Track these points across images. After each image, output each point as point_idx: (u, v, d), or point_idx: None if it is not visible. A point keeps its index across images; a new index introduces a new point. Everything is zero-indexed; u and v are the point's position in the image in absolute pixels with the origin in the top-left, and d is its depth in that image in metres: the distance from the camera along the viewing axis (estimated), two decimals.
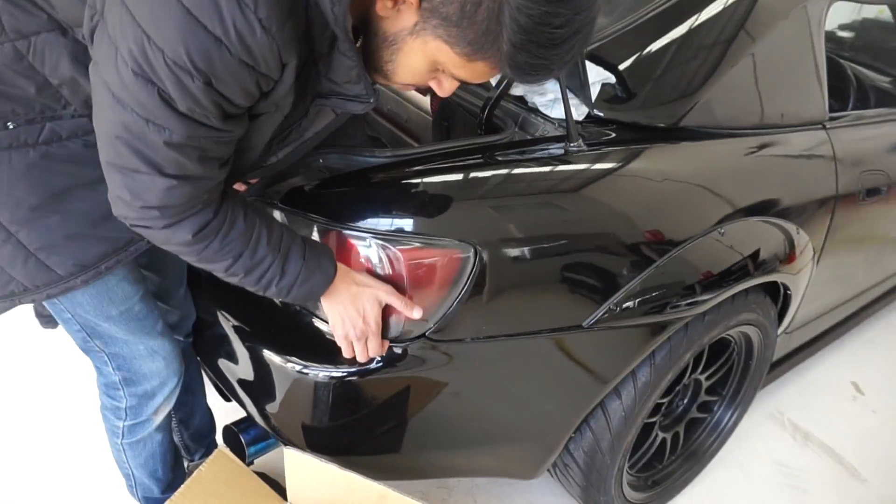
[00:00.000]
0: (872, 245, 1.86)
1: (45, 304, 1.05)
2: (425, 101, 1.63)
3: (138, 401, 1.18)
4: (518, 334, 1.10)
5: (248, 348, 1.16)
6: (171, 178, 0.76)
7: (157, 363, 1.15)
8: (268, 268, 0.90)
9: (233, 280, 0.91)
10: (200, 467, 1.13)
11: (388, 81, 0.84)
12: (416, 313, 0.98)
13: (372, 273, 1.01)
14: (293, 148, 0.96)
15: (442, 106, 1.62)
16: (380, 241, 0.99)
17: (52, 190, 0.90)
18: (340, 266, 0.97)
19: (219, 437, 1.62)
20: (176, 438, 1.48)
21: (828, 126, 1.56)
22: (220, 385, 1.31)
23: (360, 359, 1.01)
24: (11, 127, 0.85)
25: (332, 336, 1.02)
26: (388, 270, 1.00)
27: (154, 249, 0.96)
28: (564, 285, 1.10)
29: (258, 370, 1.15)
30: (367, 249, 1.00)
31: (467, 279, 1.01)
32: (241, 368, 1.19)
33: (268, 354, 1.11)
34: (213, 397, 1.44)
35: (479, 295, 1.03)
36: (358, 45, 0.81)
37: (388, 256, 0.99)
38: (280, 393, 1.12)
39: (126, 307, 1.07)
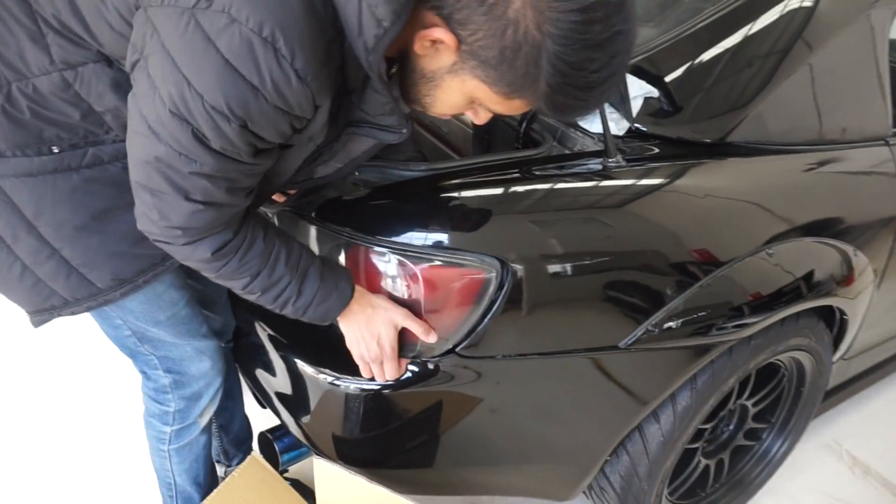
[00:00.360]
0: None
1: (93, 313, 1.08)
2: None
3: (186, 403, 1.21)
4: (552, 353, 1.07)
5: (282, 358, 1.17)
6: (198, 204, 0.79)
7: (204, 363, 1.18)
8: (284, 287, 0.91)
9: (250, 298, 0.93)
10: (233, 472, 1.15)
11: (426, 111, 0.85)
12: (432, 338, 0.99)
13: (391, 294, 1.01)
14: (332, 171, 0.98)
15: None
16: (399, 257, 0.99)
17: (94, 211, 0.93)
18: (358, 288, 0.98)
19: (254, 444, 1.66)
20: (216, 444, 1.51)
21: (891, 142, 1.47)
22: (256, 392, 1.34)
23: (378, 379, 1.02)
24: (56, 151, 0.89)
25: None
26: (405, 287, 1.00)
27: None
28: (600, 304, 1.07)
29: (292, 380, 1.16)
30: (387, 265, 1.00)
31: (494, 297, 1.00)
32: (275, 377, 1.21)
33: (301, 365, 1.13)
34: (249, 403, 1.47)
35: (512, 312, 1.01)
36: (393, 70, 0.82)
37: (406, 273, 0.99)
38: (312, 403, 1.13)
39: (173, 312, 1.11)
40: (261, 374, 1.25)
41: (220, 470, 1.54)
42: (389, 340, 0.98)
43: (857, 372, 1.80)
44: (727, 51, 1.27)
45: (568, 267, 1.04)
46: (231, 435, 1.53)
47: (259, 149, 0.77)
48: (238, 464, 1.53)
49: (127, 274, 0.99)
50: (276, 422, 1.31)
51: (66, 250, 0.94)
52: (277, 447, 1.31)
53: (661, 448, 1.22)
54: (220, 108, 0.69)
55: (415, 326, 0.98)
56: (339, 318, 0.99)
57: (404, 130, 0.87)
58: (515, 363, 1.06)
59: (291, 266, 0.91)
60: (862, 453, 1.86)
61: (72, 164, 0.90)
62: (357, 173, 1.17)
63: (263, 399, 1.28)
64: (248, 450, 1.58)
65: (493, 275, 0.98)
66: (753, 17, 1.30)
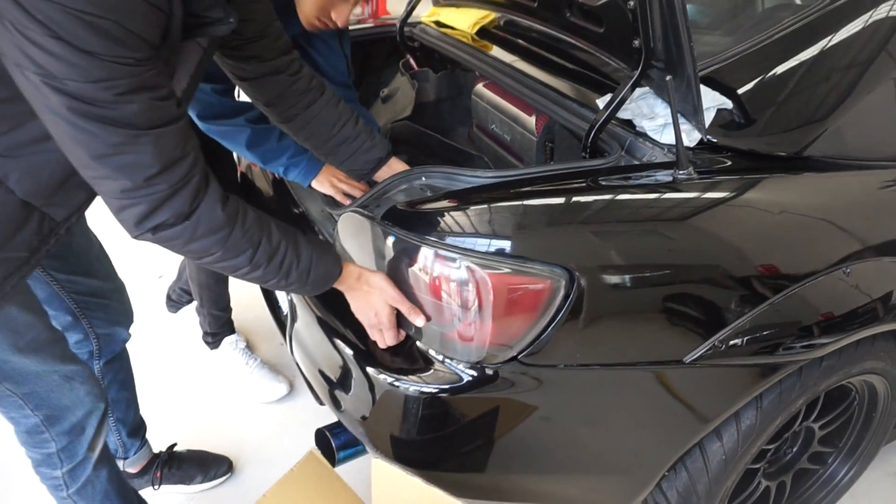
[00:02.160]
0: None
1: None
2: (530, 121, 1.63)
3: (68, 439, 1.13)
4: (614, 364, 1.06)
5: (343, 357, 1.20)
6: (149, 131, 0.78)
7: (75, 391, 1.11)
8: (285, 252, 0.95)
9: (256, 274, 0.95)
10: (292, 468, 1.18)
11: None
12: (419, 321, 1.06)
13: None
14: (182, 89, 0.97)
15: (546, 127, 1.61)
16: (468, 263, 0.99)
17: None
18: (355, 267, 1.09)
19: (311, 439, 1.70)
20: (113, 439, 1.45)
21: None
22: (315, 388, 1.37)
23: (380, 344, 1.13)
24: None
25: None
26: (474, 293, 1.01)
27: (66, 251, 1.02)
28: (666, 318, 1.06)
29: (354, 379, 1.18)
30: (456, 270, 1.01)
31: (560, 306, 0.99)
32: (336, 375, 1.23)
33: (362, 364, 1.15)
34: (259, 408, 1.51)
35: (576, 322, 1.01)
36: None
37: (474, 279, 0.99)
38: (372, 403, 1.15)
39: (33, 335, 1.05)
40: (322, 371, 1.28)
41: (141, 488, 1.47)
42: (386, 314, 1.08)
43: None
44: (805, 62, 1.23)
45: (634, 279, 1.03)
46: (129, 426, 1.49)
47: (145, 54, 0.76)
48: (136, 454, 1.51)
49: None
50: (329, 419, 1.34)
51: None
52: (334, 444, 1.34)
53: (722, 466, 1.19)
54: (85, 8, 0.69)
55: (404, 308, 1.06)
56: (344, 291, 1.09)
57: (231, 20, 0.90)
58: (577, 373, 1.06)
59: (283, 232, 0.96)
60: None
61: None
62: (424, 178, 1.19)
63: (323, 395, 1.31)
64: (144, 439, 1.54)
65: (561, 285, 0.98)
66: (834, 27, 1.25)
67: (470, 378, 1.06)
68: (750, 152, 1.20)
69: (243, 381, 1.92)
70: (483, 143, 1.94)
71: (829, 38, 1.25)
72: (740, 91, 1.21)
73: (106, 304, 1.34)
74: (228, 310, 1.96)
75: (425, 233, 1.04)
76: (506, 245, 1.00)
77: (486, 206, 1.04)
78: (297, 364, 1.44)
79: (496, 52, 1.72)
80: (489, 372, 1.05)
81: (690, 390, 1.12)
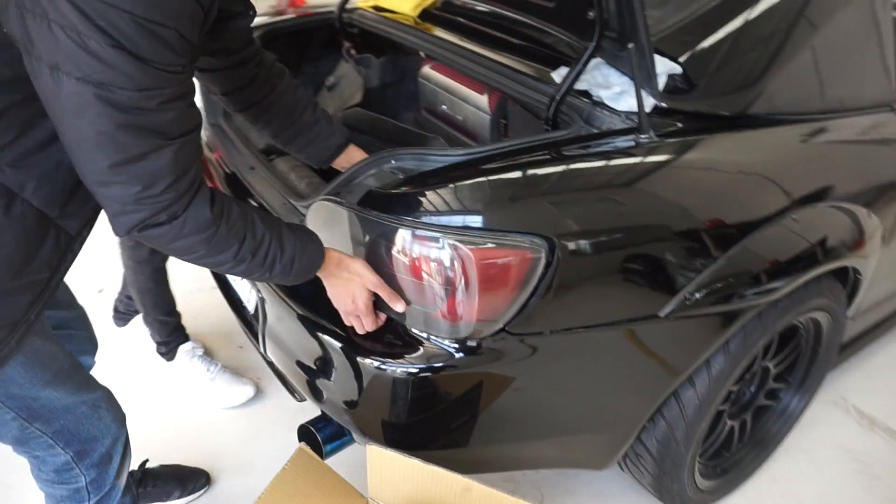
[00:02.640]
0: None
1: None
2: (483, 99, 1.65)
3: (98, 471, 1.10)
4: (596, 325, 1.11)
5: (325, 346, 1.19)
6: (176, 140, 0.78)
7: (103, 419, 1.08)
8: (269, 245, 0.94)
9: (240, 269, 0.95)
10: (284, 466, 1.16)
11: None
12: (399, 307, 1.07)
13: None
14: None
15: (499, 104, 1.63)
16: (451, 241, 1.01)
17: None
18: (335, 252, 1.07)
19: (285, 439, 1.68)
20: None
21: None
22: (294, 384, 1.35)
23: (358, 330, 1.13)
24: None
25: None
26: (459, 270, 1.02)
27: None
28: (641, 276, 1.11)
29: (336, 367, 1.18)
30: (440, 250, 1.02)
31: (542, 274, 1.03)
32: (318, 366, 1.22)
33: (347, 352, 1.14)
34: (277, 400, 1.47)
35: (559, 288, 1.04)
36: None
37: (459, 257, 1.01)
38: (359, 389, 1.15)
39: (58, 366, 1.01)
40: (302, 364, 1.27)
41: None
42: (363, 300, 1.07)
43: (861, 330, 1.88)
44: (736, 30, 1.31)
45: (609, 241, 1.07)
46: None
47: (188, 59, 0.77)
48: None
49: (17, 314, 0.87)
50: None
51: None
52: (320, 437, 1.32)
53: (697, 411, 1.26)
54: (152, 17, 0.69)
55: (384, 294, 1.06)
56: (322, 278, 1.07)
57: (251, 12, 0.93)
58: (562, 338, 1.10)
59: (266, 224, 0.95)
60: (867, 407, 1.94)
61: None
62: (393, 161, 1.19)
63: (306, 390, 1.29)
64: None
65: (542, 253, 1.01)
66: None
67: (458, 354, 1.08)
68: (696, 114, 1.26)
69: (207, 389, 1.86)
70: (433, 125, 1.94)
71: (754, 6, 1.33)
72: (681, 59, 1.28)
73: (71, 333, 1.26)
74: (176, 314, 1.89)
75: (405, 214, 1.04)
76: (485, 219, 1.02)
77: (462, 183, 1.05)
78: (271, 363, 1.42)
79: (441, 33, 1.72)
80: (476, 346, 1.08)
81: (666, 343, 1.18)
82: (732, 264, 1.16)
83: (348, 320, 1.12)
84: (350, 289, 1.07)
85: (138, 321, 2.01)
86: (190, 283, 2.25)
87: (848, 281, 1.50)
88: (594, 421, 1.26)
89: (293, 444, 1.68)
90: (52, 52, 0.69)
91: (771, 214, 1.20)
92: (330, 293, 1.10)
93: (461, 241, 1.00)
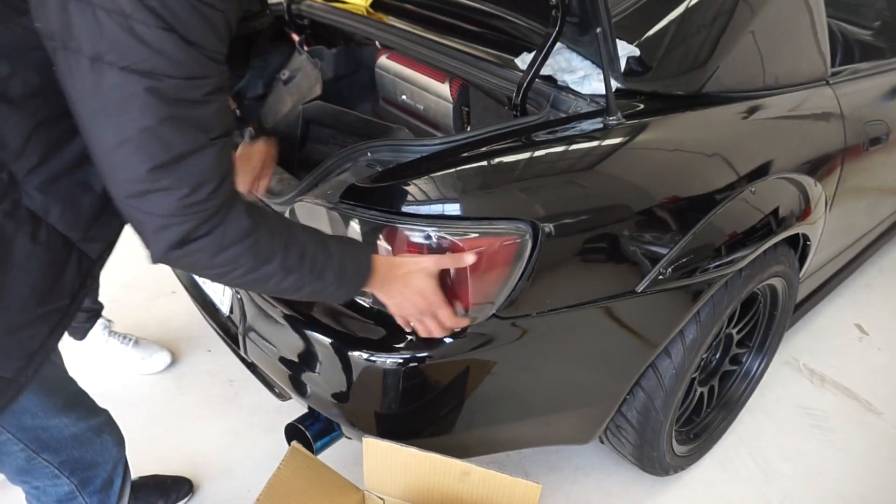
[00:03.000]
0: (872, 192, 1.96)
1: None
2: (444, 88, 1.65)
3: (100, 498, 1.08)
4: (579, 304, 1.14)
5: (311, 341, 1.17)
6: (218, 138, 0.73)
7: (105, 442, 1.06)
8: (314, 250, 0.86)
9: (290, 281, 0.85)
10: (279, 465, 1.15)
11: None
12: (470, 258, 0.99)
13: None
14: None
15: (461, 92, 1.64)
16: (439, 233, 1.01)
17: None
18: (381, 256, 0.98)
19: (264, 440, 1.65)
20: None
21: (831, 82, 1.63)
22: (279, 384, 1.33)
23: (437, 334, 1.03)
24: None
25: (403, 325, 1.05)
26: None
27: None
28: (618, 254, 1.15)
29: (323, 361, 1.17)
30: (427, 241, 1.03)
31: (529, 258, 1.05)
32: (303, 362, 1.21)
33: (334, 346, 1.14)
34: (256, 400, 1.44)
35: (543, 270, 1.07)
36: None
37: (446, 248, 1.02)
38: (349, 382, 1.15)
39: (67, 391, 0.99)
40: (285, 362, 1.25)
41: None
42: (432, 290, 0.98)
43: (807, 293, 2.01)
44: (683, 13, 1.36)
45: (588, 221, 1.11)
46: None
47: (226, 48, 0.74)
48: None
49: (35, 344, 0.82)
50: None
51: None
52: (309, 434, 1.32)
53: (674, 380, 1.32)
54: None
55: (449, 261, 0.99)
56: (376, 291, 0.97)
57: (267, 11, 0.89)
58: (548, 318, 1.12)
59: (304, 229, 0.88)
60: (816, 365, 2.07)
61: None
62: (370, 154, 1.18)
63: (291, 388, 1.28)
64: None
65: (527, 238, 1.03)
66: None
67: (448, 340, 1.09)
68: (655, 94, 1.31)
69: (125, 361, 1.89)
70: (392, 115, 1.93)
71: None
72: (636, 42, 1.32)
73: None
74: (98, 304, 1.82)
75: (389, 207, 1.04)
76: (469, 207, 1.03)
77: (444, 172, 1.06)
78: (251, 364, 1.39)
79: (396, 22, 1.71)
80: (467, 331, 1.09)
81: (644, 317, 1.23)
82: (700, 238, 1.21)
83: (422, 326, 1.02)
84: (413, 285, 0.97)
85: (96, 333, 1.93)
86: (150, 288, 2.17)
87: (798, 247, 1.59)
88: (578, 397, 1.30)
89: (274, 444, 1.67)
90: (94, 41, 0.64)
91: (732, 188, 1.27)
92: (391, 303, 1.00)
93: (449, 233, 1.01)
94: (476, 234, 1.02)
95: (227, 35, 0.72)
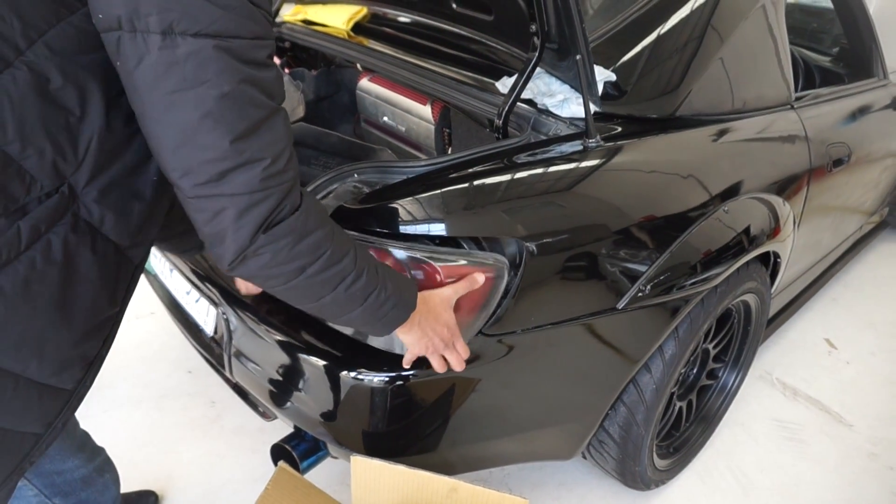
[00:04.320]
0: (837, 211, 2.04)
1: None
2: (426, 109, 1.68)
3: None
4: (563, 321, 1.17)
5: (298, 361, 1.18)
6: (280, 107, 0.72)
7: (105, 481, 1.07)
8: (371, 260, 0.84)
9: (358, 285, 0.81)
10: (266, 486, 1.15)
11: None
12: (480, 278, 1.00)
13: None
14: None
15: (443, 114, 1.68)
16: (422, 256, 1.02)
17: (53, 301, 0.72)
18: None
19: (259, 457, 1.64)
20: None
21: (795, 106, 1.70)
22: (263, 401, 1.33)
23: (457, 366, 1.03)
24: None
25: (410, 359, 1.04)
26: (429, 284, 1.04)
27: None
28: (599, 272, 1.18)
29: (310, 381, 1.17)
30: (416, 268, 1.03)
31: (512, 277, 1.07)
32: (290, 381, 1.21)
33: (321, 365, 1.14)
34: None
35: (528, 288, 1.10)
36: None
37: (429, 271, 1.03)
38: (336, 401, 1.15)
39: (77, 431, 0.99)
40: (273, 383, 1.25)
41: None
42: (454, 322, 0.98)
43: (777, 309, 2.07)
44: (654, 40, 1.42)
45: (572, 241, 1.14)
46: None
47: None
48: None
49: (92, 353, 0.81)
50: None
51: (34, 366, 0.73)
52: (296, 454, 1.31)
53: (654, 395, 1.35)
54: None
55: (464, 286, 0.98)
56: (412, 326, 0.93)
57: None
58: (532, 335, 1.15)
59: (354, 244, 0.84)
60: (788, 378, 2.13)
61: (9, 251, 0.67)
62: (356, 175, 1.20)
63: (275, 407, 1.28)
64: None
65: (504, 270, 1.05)
66: (671, 11, 1.46)
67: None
68: (629, 117, 1.36)
69: None
70: (374, 136, 1.96)
71: (668, 21, 1.45)
72: (611, 67, 1.37)
73: None
74: None
75: (378, 229, 1.06)
76: (456, 228, 1.05)
77: (431, 193, 1.08)
78: (235, 384, 1.39)
79: (377, 45, 1.75)
80: None
81: (624, 333, 1.26)
82: (677, 257, 1.25)
83: (439, 361, 1.01)
84: (442, 318, 0.95)
85: None
86: (129, 309, 2.14)
87: (770, 264, 1.65)
88: (562, 413, 1.32)
89: (258, 465, 1.65)
90: (164, 12, 0.63)
91: (706, 207, 1.31)
92: (415, 340, 0.96)
93: (430, 258, 1.02)
94: (464, 262, 1.03)
95: None
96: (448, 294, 0.98)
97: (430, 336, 0.97)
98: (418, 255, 1.03)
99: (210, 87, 0.65)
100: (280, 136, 0.71)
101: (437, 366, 1.03)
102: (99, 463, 1.04)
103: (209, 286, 1.33)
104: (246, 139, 0.68)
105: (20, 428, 0.75)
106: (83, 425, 1.06)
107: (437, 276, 1.03)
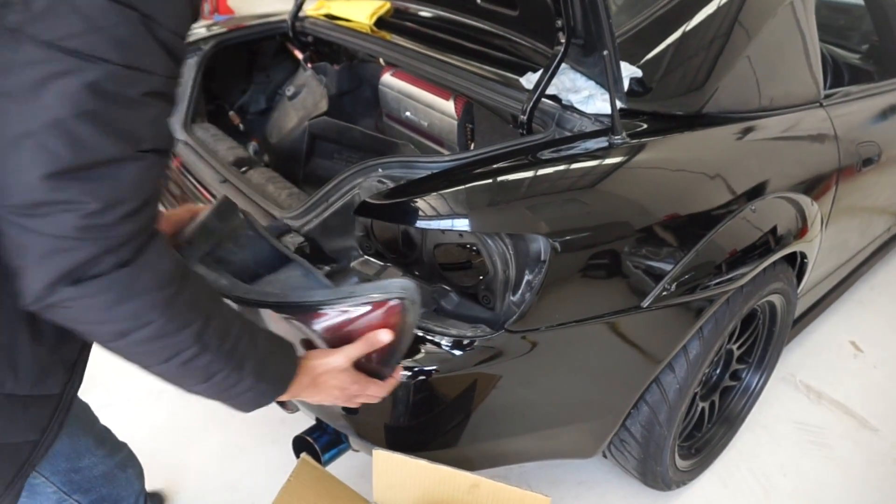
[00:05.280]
0: (865, 211, 2.00)
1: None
2: (449, 105, 1.68)
3: None
4: (586, 319, 1.16)
5: None
6: (148, 154, 0.59)
7: (128, 476, 1.05)
8: (240, 332, 0.72)
9: (198, 363, 0.69)
10: (289, 478, 1.15)
11: None
12: (385, 337, 0.87)
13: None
14: None
15: (466, 109, 1.67)
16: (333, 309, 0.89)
17: (17, 314, 0.65)
18: (308, 362, 0.84)
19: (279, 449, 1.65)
20: None
21: (824, 104, 1.67)
22: None
23: (375, 401, 0.94)
24: None
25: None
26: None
27: None
28: (625, 269, 1.17)
29: None
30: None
31: (538, 270, 1.07)
32: None
33: None
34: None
35: (552, 285, 1.09)
36: None
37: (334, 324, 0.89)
38: None
39: (96, 428, 0.97)
40: None
41: None
42: (351, 380, 0.87)
43: (803, 310, 2.04)
44: (681, 36, 1.41)
45: (598, 237, 1.13)
46: None
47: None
48: None
49: (73, 355, 0.77)
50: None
51: (10, 381, 0.69)
52: (318, 447, 1.32)
53: (678, 394, 1.34)
54: None
55: (360, 349, 0.86)
56: (292, 397, 0.84)
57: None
58: (557, 333, 1.14)
59: (233, 311, 0.73)
60: (813, 381, 2.10)
61: None
62: (381, 170, 1.20)
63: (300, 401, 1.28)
64: None
65: (414, 296, 0.90)
66: (698, 6, 1.43)
67: (459, 353, 1.10)
68: (655, 114, 1.34)
69: None
70: (395, 131, 1.96)
71: (695, 16, 1.43)
72: (637, 63, 1.36)
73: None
74: None
75: (402, 223, 1.06)
76: (482, 223, 1.05)
77: (455, 188, 1.08)
78: None
79: (401, 41, 1.75)
80: (477, 345, 1.10)
81: (648, 332, 1.24)
82: (703, 256, 1.24)
83: (353, 405, 0.93)
84: (327, 387, 0.86)
85: None
86: None
87: (796, 264, 1.62)
88: (583, 411, 1.31)
89: (277, 457, 1.66)
90: (23, 3, 0.53)
91: (733, 206, 1.30)
92: (314, 399, 0.87)
93: (322, 304, 0.88)
94: (366, 302, 0.87)
95: (190, 18, 0.60)
96: (339, 363, 0.85)
97: (332, 394, 0.87)
98: (327, 309, 0.89)
99: (43, 108, 0.54)
100: (128, 184, 0.58)
101: (358, 403, 0.93)
102: (121, 458, 1.03)
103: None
104: (70, 176, 0.55)
105: (12, 439, 0.72)
106: (104, 415, 1.07)
107: (342, 321, 0.88)
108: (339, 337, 0.88)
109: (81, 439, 0.93)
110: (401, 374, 0.96)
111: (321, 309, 0.88)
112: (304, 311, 0.89)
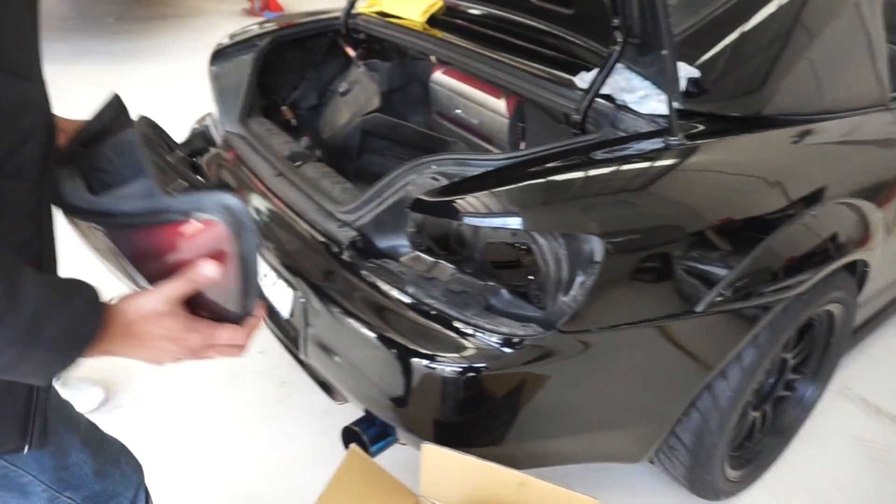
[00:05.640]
0: None
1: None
2: (500, 103, 1.68)
3: None
4: (639, 321, 1.15)
5: (372, 346, 1.20)
6: None
7: (124, 472, 1.02)
8: None
9: None
10: (339, 467, 1.17)
11: None
12: (210, 270, 0.65)
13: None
14: None
15: (517, 108, 1.67)
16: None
17: None
18: (122, 311, 0.65)
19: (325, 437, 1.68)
20: None
21: (891, 107, 1.60)
22: (336, 386, 1.36)
23: (239, 351, 0.73)
24: None
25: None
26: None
27: None
28: (679, 273, 1.15)
29: (383, 366, 1.19)
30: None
31: (590, 272, 1.06)
32: (362, 366, 1.23)
33: (394, 350, 1.16)
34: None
35: (604, 286, 1.08)
36: None
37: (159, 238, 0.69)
38: (407, 387, 1.17)
39: (82, 424, 0.94)
40: (348, 367, 1.28)
41: None
42: (183, 326, 0.67)
43: (862, 320, 1.96)
44: (741, 37, 1.37)
45: (652, 240, 1.12)
46: None
47: None
48: None
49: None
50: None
51: None
52: (366, 438, 1.34)
53: (730, 402, 1.31)
54: None
55: (182, 288, 0.66)
56: (122, 352, 0.67)
57: None
58: (609, 335, 1.13)
59: None
60: (871, 395, 2.02)
61: None
62: (435, 167, 1.21)
63: (347, 391, 1.30)
64: None
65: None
66: (757, 6, 1.39)
67: (509, 351, 1.11)
68: (711, 115, 1.32)
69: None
70: (445, 128, 1.97)
71: (756, 16, 1.39)
72: (694, 64, 1.33)
73: None
74: None
75: (456, 220, 1.06)
76: (537, 222, 1.05)
77: (510, 187, 1.08)
78: (308, 366, 1.43)
79: (453, 38, 1.75)
80: (527, 344, 1.10)
81: (701, 338, 1.22)
82: (760, 262, 1.21)
83: (206, 357, 0.72)
84: (150, 340, 0.67)
85: None
86: None
87: (857, 273, 1.56)
88: (632, 415, 1.30)
89: (323, 445, 1.70)
90: None
91: (792, 211, 1.26)
92: (144, 359, 0.69)
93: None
94: (169, 220, 0.67)
95: None
96: (153, 305, 0.66)
97: (162, 347, 0.68)
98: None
99: None
100: None
101: (210, 356, 0.72)
102: (112, 455, 1.00)
103: (287, 270, 1.37)
104: None
105: None
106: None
107: (151, 246, 0.70)
108: (157, 271, 0.68)
109: (67, 437, 0.91)
110: (261, 312, 0.73)
111: (119, 219, 0.70)
112: (104, 222, 0.71)
